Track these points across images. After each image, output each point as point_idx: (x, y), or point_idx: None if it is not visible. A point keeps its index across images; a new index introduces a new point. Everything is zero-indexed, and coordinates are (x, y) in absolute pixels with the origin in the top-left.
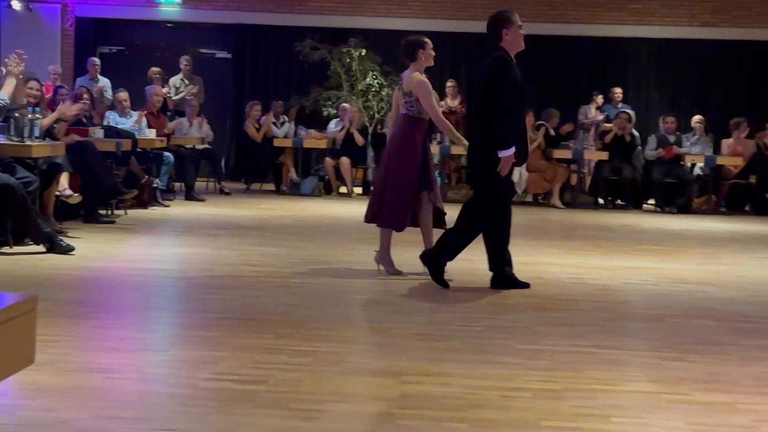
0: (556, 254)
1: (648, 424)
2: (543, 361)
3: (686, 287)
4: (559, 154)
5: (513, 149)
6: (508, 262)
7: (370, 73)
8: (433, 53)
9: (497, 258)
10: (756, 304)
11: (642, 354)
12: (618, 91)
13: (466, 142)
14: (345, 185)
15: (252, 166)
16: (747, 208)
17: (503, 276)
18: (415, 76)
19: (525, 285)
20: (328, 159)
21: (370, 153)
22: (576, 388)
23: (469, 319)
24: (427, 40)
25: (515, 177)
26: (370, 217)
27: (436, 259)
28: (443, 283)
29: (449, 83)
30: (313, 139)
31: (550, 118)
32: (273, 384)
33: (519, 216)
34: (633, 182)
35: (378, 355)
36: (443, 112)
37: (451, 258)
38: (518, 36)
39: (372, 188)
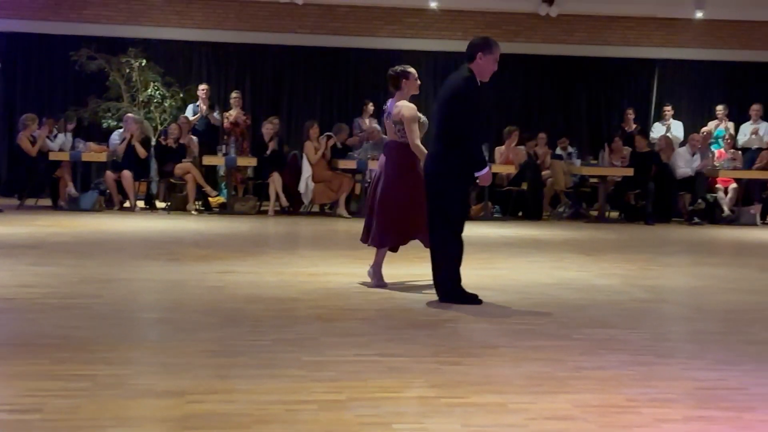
0: (343, 264)
1: (427, 429)
2: (329, 372)
3: None
4: (345, 164)
5: (488, 168)
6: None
7: (152, 83)
8: (417, 82)
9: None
10: (528, 306)
11: (423, 360)
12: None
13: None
14: (128, 199)
15: (27, 181)
16: (520, 213)
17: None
18: (401, 104)
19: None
20: (108, 172)
21: (154, 165)
22: (360, 397)
23: (257, 333)
24: (411, 70)
25: (302, 187)
26: (364, 239)
27: (450, 291)
28: (474, 300)
29: (234, 94)
30: (93, 152)
31: (340, 131)
32: (49, 412)
33: (306, 227)
34: None
35: (162, 375)
36: (230, 123)
37: (458, 279)
38: (490, 66)
39: (366, 211)
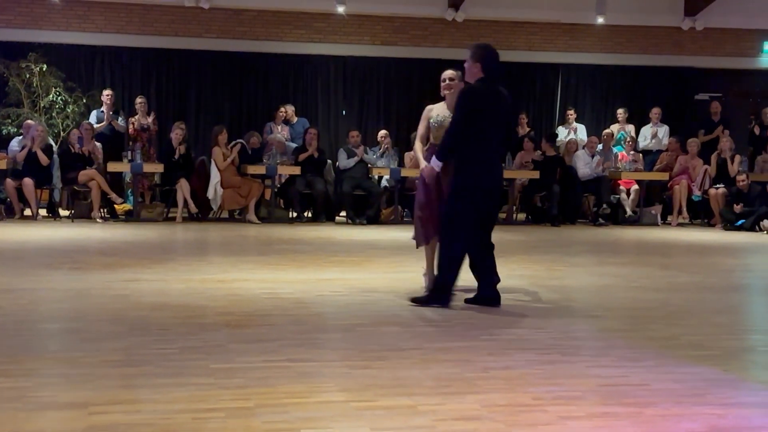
0: (252, 270)
1: None
2: (237, 379)
3: (375, 296)
4: (254, 170)
5: (435, 164)
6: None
7: (53, 89)
8: (443, 84)
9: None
10: (438, 308)
11: (333, 364)
12: (290, 109)
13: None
14: (29, 207)
15: None
16: None
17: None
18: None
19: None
20: (9, 180)
21: (57, 173)
22: (269, 403)
23: (163, 342)
24: (442, 75)
25: (210, 193)
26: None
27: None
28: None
29: (138, 100)
30: None
31: (252, 137)
32: None
33: (215, 233)
34: (325, 195)
35: (64, 386)
36: (135, 129)
37: (455, 280)
38: (473, 72)
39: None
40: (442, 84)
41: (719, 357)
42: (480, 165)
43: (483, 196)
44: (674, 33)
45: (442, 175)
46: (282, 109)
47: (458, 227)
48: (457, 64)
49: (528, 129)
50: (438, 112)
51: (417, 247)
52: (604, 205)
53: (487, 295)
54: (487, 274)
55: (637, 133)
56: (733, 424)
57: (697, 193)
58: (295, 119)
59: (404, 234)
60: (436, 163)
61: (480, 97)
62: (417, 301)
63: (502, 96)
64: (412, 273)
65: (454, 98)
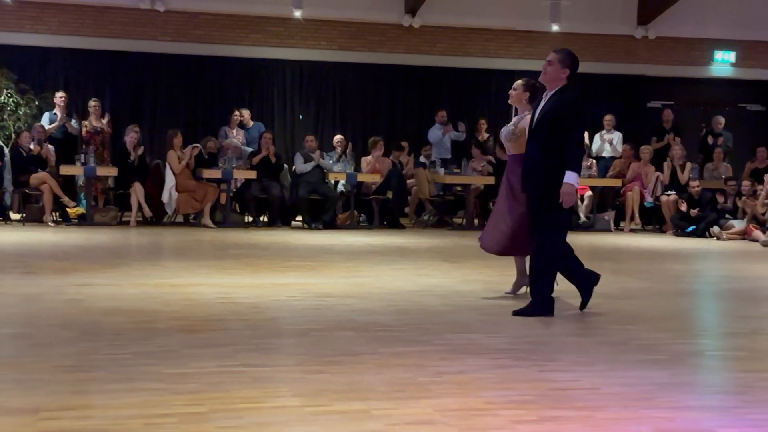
0: (206, 274)
1: None
2: (191, 384)
3: (330, 301)
4: (209, 174)
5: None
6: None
7: (5, 90)
8: (510, 93)
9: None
10: (392, 313)
11: (287, 369)
12: (245, 113)
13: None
14: None
15: None
16: (385, 222)
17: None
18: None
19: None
20: None
21: (8, 176)
22: (223, 408)
23: (116, 347)
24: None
25: (165, 197)
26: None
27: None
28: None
29: (92, 102)
30: None
31: (209, 142)
32: None
33: (170, 237)
34: (281, 200)
35: (13, 392)
36: (88, 132)
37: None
38: (560, 77)
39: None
40: (509, 93)
41: (668, 361)
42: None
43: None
44: (628, 41)
45: (513, 178)
46: (237, 113)
47: (558, 232)
48: (413, 70)
49: (486, 135)
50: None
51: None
52: None
53: (589, 296)
54: (585, 277)
55: (591, 139)
56: (681, 427)
57: (649, 200)
58: (251, 124)
59: (360, 239)
60: (574, 179)
61: (582, 103)
62: (521, 313)
63: None
64: (368, 278)
65: (519, 113)
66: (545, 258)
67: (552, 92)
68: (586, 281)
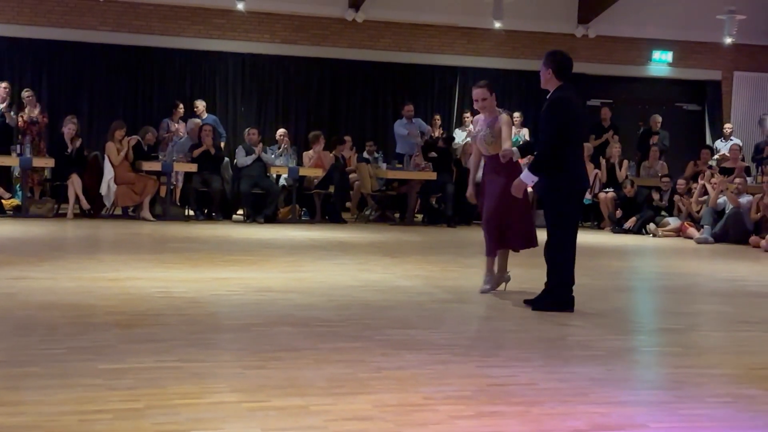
0: (145, 268)
1: None
2: (126, 380)
3: (271, 295)
4: (149, 166)
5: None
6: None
7: None
8: (475, 104)
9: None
10: (332, 308)
11: (226, 365)
12: (200, 105)
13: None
14: None
15: None
16: (327, 217)
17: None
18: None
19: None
20: None
21: None
22: (159, 405)
23: (50, 342)
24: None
25: (103, 189)
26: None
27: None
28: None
29: (25, 93)
30: None
31: (147, 133)
32: None
33: (108, 230)
34: (222, 193)
35: None
36: (24, 123)
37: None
38: (547, 79)
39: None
40: (475, 104)
41: (604, 357)
42: (580, 167)
43: (582, 195)
44: (568, 40)
45: (496, 176)
46: (181, 106)
47: (569, 227)
48: (356, 64)
49: (442, 132)
50: (479, 126)
51: (489, 255)
52: None
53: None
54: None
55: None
56: (616, 422)
57: (587, 197)
58: (206, 115)
59: (301, 233)
60: (529, 178)
61: (570, 104)
62: (535, 304)
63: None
64: (309, 272)
65: (489, 117)
66: (562, 251)
67: (548, 94)
68: (561, 289)
